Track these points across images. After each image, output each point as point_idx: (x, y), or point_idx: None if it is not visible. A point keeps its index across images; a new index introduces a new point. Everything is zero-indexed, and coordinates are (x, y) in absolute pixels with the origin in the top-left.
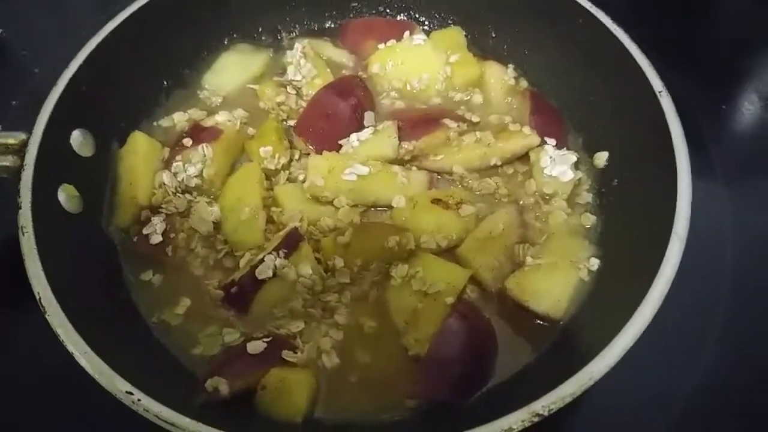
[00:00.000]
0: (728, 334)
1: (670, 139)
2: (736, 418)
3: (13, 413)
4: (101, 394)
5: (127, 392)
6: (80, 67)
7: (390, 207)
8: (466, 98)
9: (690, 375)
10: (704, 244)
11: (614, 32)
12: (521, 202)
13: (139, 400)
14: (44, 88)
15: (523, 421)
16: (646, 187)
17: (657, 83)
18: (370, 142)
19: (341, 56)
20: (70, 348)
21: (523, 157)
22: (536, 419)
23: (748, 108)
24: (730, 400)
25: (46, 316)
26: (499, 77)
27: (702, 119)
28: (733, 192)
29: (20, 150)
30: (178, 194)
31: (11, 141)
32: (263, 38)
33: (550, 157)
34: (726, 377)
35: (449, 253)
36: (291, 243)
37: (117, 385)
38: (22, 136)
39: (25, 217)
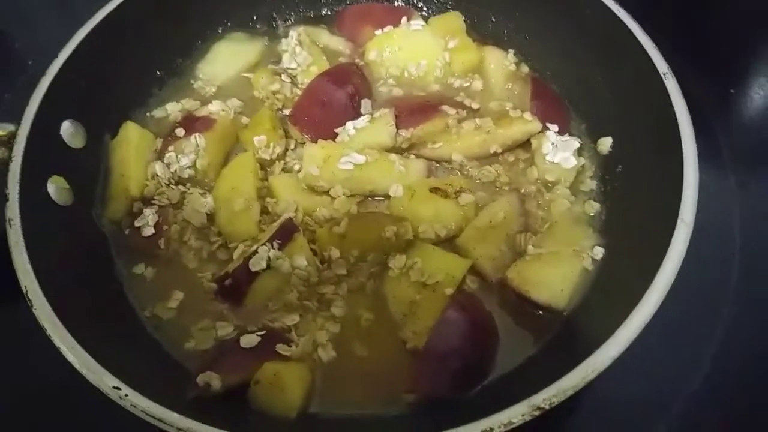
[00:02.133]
0: (736, 324)
1: (676, 122)
2: (745, 410)
3: (7, 409)
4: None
5: (114, 387)
6: (70, 57)
7: (387, 196)
8: (465, 84)
9: (697, 366)
10: (712, 233)
11: (617, 14)
12: (523, 190)
13: (126, 395)
14: (38, 80)
15: (523, 415)
16: (651, 173)
17: (662, 65)
18: (367, 130)
19: (338, 43)
20: (57, 342)
21: (525, 144)
22: (537, 413)
23: (758, 92)
24: (738, 391)
25: (33, 310)
26: (500, 63)
27: (709, 104)
28: (741, 179)
29: (8, 141)
30: (171, 185)
31: None
32: (258, 26)
33: (552, 144)
34: (734, 368)
35: (448, 242)
36: (285, 234)
37: (104, 380)
38: (11, 127)
39: (13, 210)
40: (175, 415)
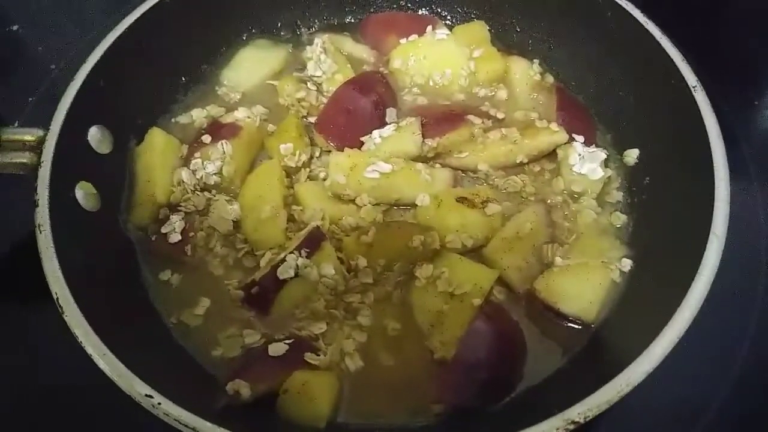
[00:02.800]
0: (764, 335)
1: (706, 135)
2: None
3: (30, 414)
4: (119, 395)
5: (146, 395)
6: (97, 63)
7: (413, 205)
8: (490, 94)
9: (725, 379)
10: (738, 243)
11: (645, 25)
12: (549, 201)
13: (159, 403)
14: (61, 84)
15: (557, 429)
16: (679, 185)
17: (691, 78)
18: (393, 138)
19: (362, 52)
20: (89, 349)
21: (551, 155)
22: (571, 427)
23: None
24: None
25: (64, 317)
26: (525, 72)
27: (734, 115)
28: (766, 188)
29: (37, 147)
30: (196, 192)
31: (28, 137)
32: (282, 33)
33: (579, 155)
34: (763, 381)
35: (475, 253)
36: (313, 242)
37: (136, 388)
38: (40, 132)
39: (42, 215)
40: (208, 423)
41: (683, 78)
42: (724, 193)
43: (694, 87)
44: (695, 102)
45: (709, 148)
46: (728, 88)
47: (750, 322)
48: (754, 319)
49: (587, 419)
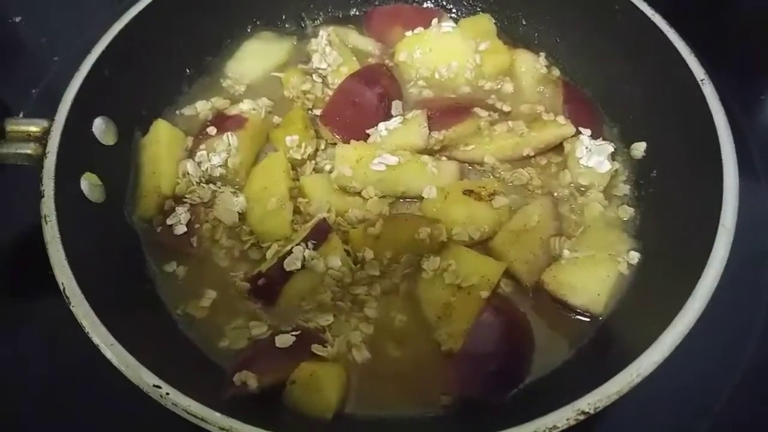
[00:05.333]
0: None
1: (714, 127)
2: None
3: (36, 406)
4: (123, 387)
5: (154, 386)
6: (102, 54)
7: (419, 198)
8: (496, 87)
9: (730, 375)
10: (744, 237)
11: (652, 18)
12: (556, 194)
13: (167, 393)
14: (64, 76)
15: (567, 420)
16: (687, 178)
17: (699, 71)
18: (399, 131)
19: (367, 44)
20: (96, 340)
21: (557, 148)
22: (581, 417)
23: None
24: None
25: (71, 307)
26: (531, 66)
27: (740, 110)
28: None
29: (42, 137)
30: (202, 184)
31: (33, 128)
32: (287, 26)
33: (586, 148)
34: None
35: (482, 245)
36: (320, 234)
37: (144, 378)
38: (45, 123)
39: (48, 206)
40: (217, 414)
41: (691, 71)
42: (733, 185)
43: (701, 80)
44: (703, 95)
45: (717, 140)
46: (735, 83)
47: (757, 315)
48: (761, 313)
49: (597, 410)
